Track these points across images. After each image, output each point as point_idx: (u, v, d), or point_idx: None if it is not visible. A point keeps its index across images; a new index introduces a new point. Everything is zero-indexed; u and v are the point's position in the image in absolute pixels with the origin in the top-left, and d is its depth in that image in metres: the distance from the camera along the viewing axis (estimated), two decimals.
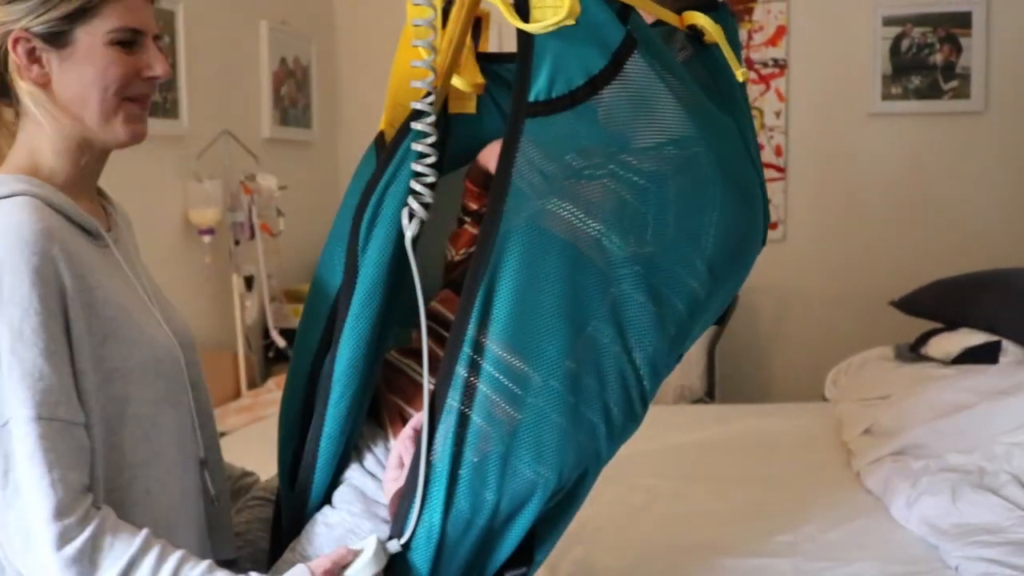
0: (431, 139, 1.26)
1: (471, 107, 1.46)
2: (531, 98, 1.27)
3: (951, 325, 2.97)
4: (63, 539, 1.08)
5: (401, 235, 1.26)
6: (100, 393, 1.18)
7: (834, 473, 2.52)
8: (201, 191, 3.03)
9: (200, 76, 3.16)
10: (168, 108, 3.01)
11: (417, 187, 1.26)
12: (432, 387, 1.23)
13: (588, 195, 1.28)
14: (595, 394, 1.23)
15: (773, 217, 4.00)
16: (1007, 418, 2.25)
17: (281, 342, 3.32)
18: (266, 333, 3.41)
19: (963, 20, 4.00)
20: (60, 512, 1.08)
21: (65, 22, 1.21)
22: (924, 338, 3.03)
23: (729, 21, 1.46)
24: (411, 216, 1.26)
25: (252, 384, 3.27)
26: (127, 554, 1.12)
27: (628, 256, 1.26)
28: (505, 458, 1.20)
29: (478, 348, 1.21)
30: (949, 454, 2.22)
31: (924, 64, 4.04)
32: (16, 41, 1.21)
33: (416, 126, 1.26)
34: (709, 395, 3.79)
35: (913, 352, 3.02)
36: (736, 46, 1.46)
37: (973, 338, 2.81)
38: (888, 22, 4.03)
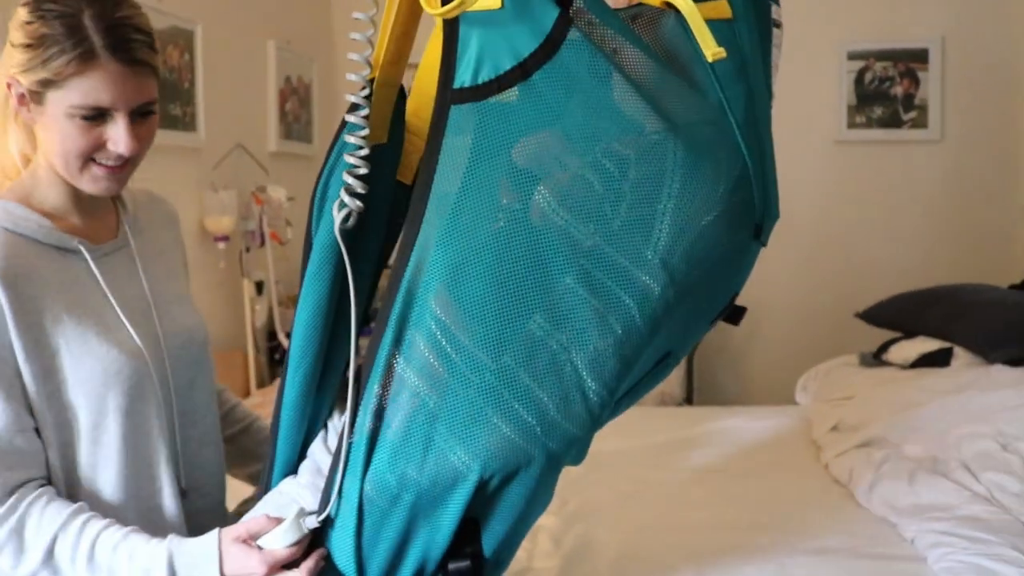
0: (364, 132, 1.24)
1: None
2: (456, 84, 1.20)
3: (909, 334, 3.18)
4: None
5: (346, 219, 1.24)
6: (52, 400, 1.27)
7: (805, 465, 2.71)
8: (216, 200, 3.20)
9: (215, 92, 3.33)
10: (187, 122, 3.19)
11: (348, 179, 1.24)
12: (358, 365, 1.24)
13: (519, 184, 1.22)
14: (525, 389, 1.17)
15: None
16: (957, 414, 2.48)
17: (287, 344, 3.50)
18: (272, 336, 3.59)
19: (921, 56, 4.18)
20: None
21: (40, 85, 1.27)
22: (885, 346, 3.23)
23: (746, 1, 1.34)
24: (343, 206, 1.23)
25: (261, 383, 3.44)
26: (52, 530, 1.24)
27: (565, 246, 1.20)
28: (429, 438, 1.17)
29: (401, 331, 1.19)
30: (906, 445, 2.44)
31: (886, 95, 4.22)
32: (10, 85, 1.30)
33: (349, 119, 1.24)
34: (688, 400, 3.98)
35: (875, 359, 3.22)
36: (757, 30, 1.35)
37: (928, 345, 3.02)
38: (852, 56, 4.21)
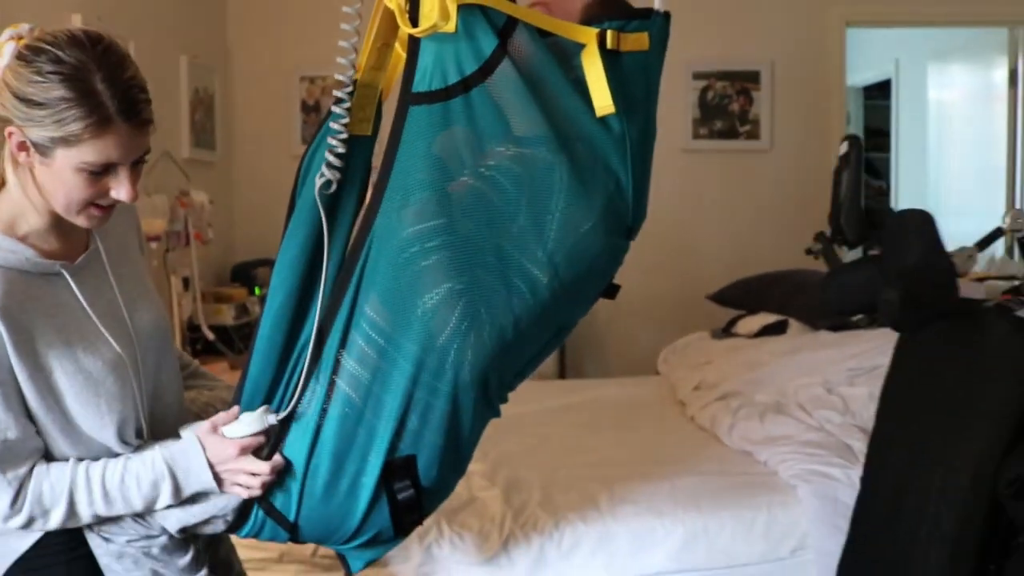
0: (344, 120, 1.44)
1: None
2: (414, 88, 1.39)
3: (752, 311, 3.77)
4: (12, 516, 1.37)
5: (326, 185, 1.43)
6: (52, 411, 1.38)
7: (673, 418, 3.27)
8: (150, 204, 3.48)
9: None
10: None
11: (330, 158, 1.43)
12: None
13: (451, 186, 1.41)
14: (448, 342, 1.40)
15: None
16: (793, 369, 3.09)
17: (210, 335, 3.81)
18: (195, 328, 3.87)
19: (754, 77, 4.66)
20: (6, 501, 1.36)
21: (50, 141, 1.30)
22: (733, 322, 3.82)
23: (661, 34, 1.50)
24: (323, 178, 1.43)
25: None
26: (65, 487, 1.37)
27: (482, 245, 1.40)
28: (377, 368, 1.41)
29: (358, 287, 1.41)
30: (756, 395, 3.03)
31: (725, 111, 4.67)
32: (10, 133, 1.32)
33: (335, 110, 1.44)
34: (561, 376, 4.51)
35: (725, 332, 3.80)
36: (661, 59, 1.52)
37: (768, 319, 3.61)
38: (697, 76, 4.65)
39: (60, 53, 1.29)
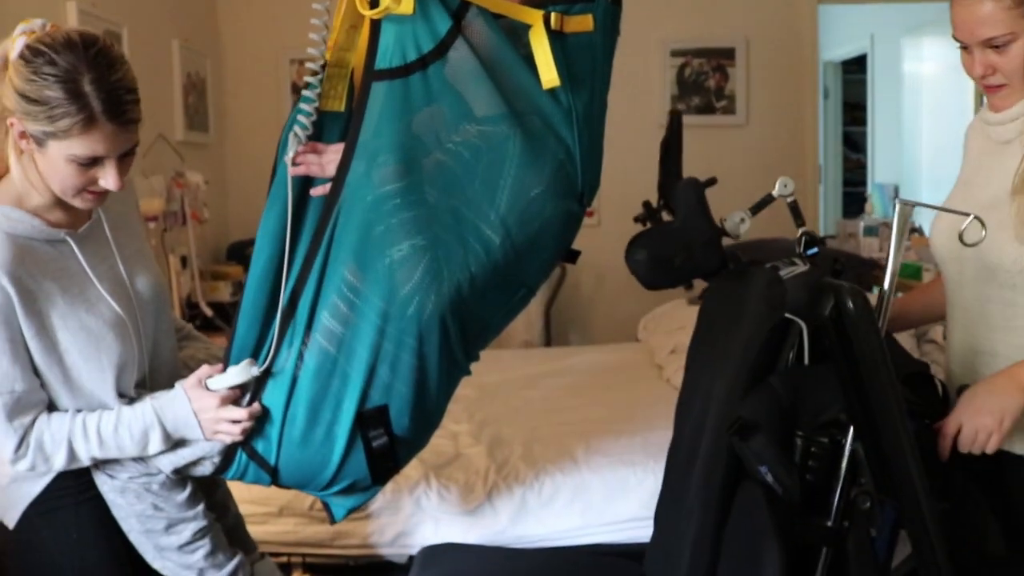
0: (314, 96, 1.56)
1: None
2: (376, 66, 1.50)
3: None
4: (18, 460, 1.52)
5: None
6: (56, 367, 1.52)
7: (651, 381, 3.44)
8: (147, 185, 3.62)
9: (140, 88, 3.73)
10: None
11: (297, 130, 1.55)
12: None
13: (413, 155, 1.51)
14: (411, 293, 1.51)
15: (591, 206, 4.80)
16: None
17: (209, 312, 3.97)
18: (194, 305, 4.02)
19: (729, 54, 4.78)
20: (11, 445, 1.51)
21: (43, 134, 1.44)
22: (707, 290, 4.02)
23: (606, 15, 1.60)
24: (297, 140, 1.55)
25: None
26: (64, 434, 1.52)
27: (439, 207, 1.51)
28: (346, 323, 1.53)
29: (330, 243, 1.53)
30: None
31: (701, 87, 4.81)
32: (12, 123, 1.47)
33: (305, 93, 1.57)
34: (547, 344, 4.69)
35: (700, 299, 3.99)
36: (610, 40, 1.62)
37: None
38: (674, 54, 4.79)
39: (55, 56, 1.42)
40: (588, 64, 1.60)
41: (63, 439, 1.53)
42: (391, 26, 1.50)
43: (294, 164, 1.57)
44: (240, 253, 4.49)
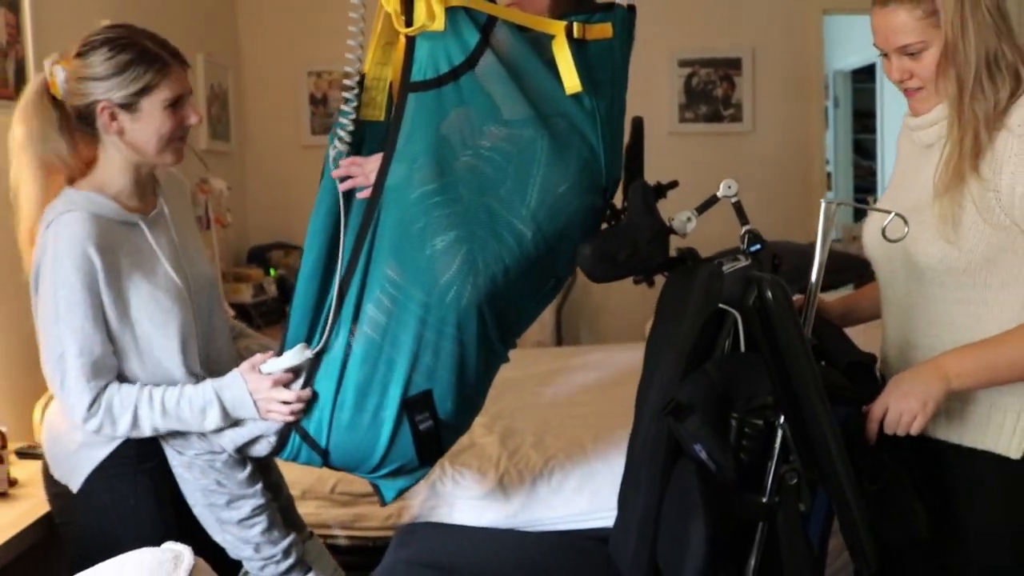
0: (354, 103, 1.68)
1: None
2: (412, 79, 1.61)
3: None
4: (88, 419, 1.65)
5: (338, 155, 1.69)
6: (128, 333, 1.69)
7: None
8: None
9: None
10: None
11: (340, 132, 1.68)
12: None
13: (448, 158, 1.61)
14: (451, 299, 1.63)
15: None
16: None
17: (231, 312, 4.09)
18: None
19: (736, 64, 4.88)
20: (84, 404, 1.64)
21: (134, 96, 1.67)
22: None
23: (624, 23, 1.71)
24: (334, 150, 1.68)
25: None
26: (131, 401, 1.67)
27: (473, 205, 1.60)
28: (390, 315, 1.64)
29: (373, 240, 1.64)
30: None
31: (709, 96, 4.89)
32: (102, 108, 1.68)
33: (345, 94, 1.69)
34: (558, 344, 4.77)
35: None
36: (627, 45, 1.73)
37: None
38: (682, 64, 4.88)
39: (109, 35, 1.68)
40: (608, 68, 1.71)
41: (130, 404, 1.67)
42: (424, 41, 1.61)
43: (341, 180, 1.69)
44: (260, 257, 4.64)
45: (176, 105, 1.70)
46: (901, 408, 1.60)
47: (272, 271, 4.54)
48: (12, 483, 2.12)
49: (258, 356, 1.73)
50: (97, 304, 1.66)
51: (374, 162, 1.68)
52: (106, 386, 1.68)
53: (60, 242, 1.63)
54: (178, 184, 1.93)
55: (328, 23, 5.08)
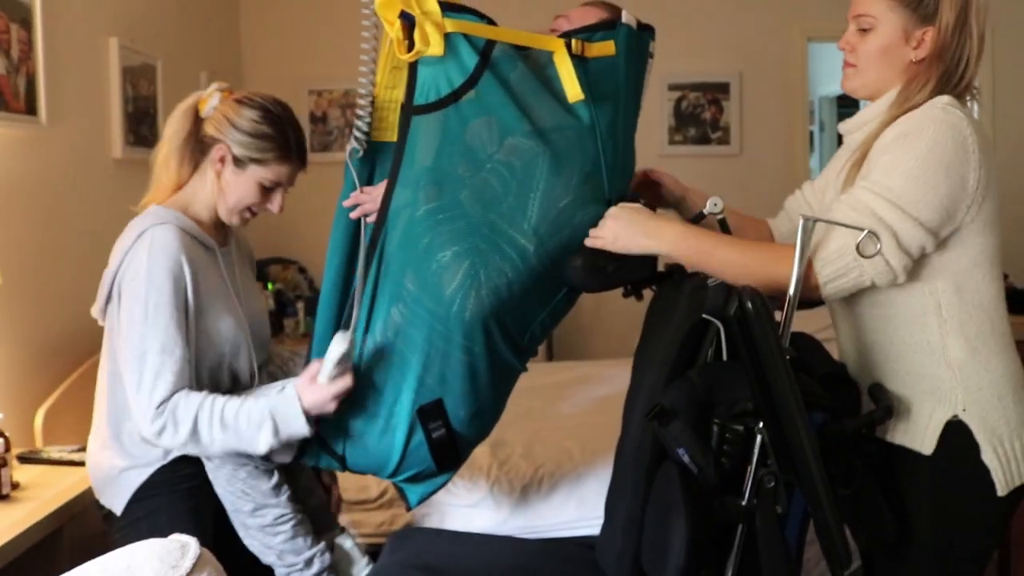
0: (367, 120, 1.73)
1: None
2: (415, 102, 1.65)
3: None
4: (154, 419, 1.71)
5: (354, 151, 1.76)
6: (200, 342, 1.79)
7: None
8: None
9: None
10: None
11: (354, 143, 1.75)
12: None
13: (451, 176, 1.64)
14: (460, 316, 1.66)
15: None
16: None
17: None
18: None
19: (724, 88, 4.95)
20: (155, 403, 1.71)
21: (247, 159, 1.82)
22: None
23: (628, 40, 1.73)
24: (350, 145, 1.75)
25: None
26: (193, 409, 1.72)
27: (476, 220, 1.63)
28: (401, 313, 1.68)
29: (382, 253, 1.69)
30: None
31: (698, 119, 4.95)
32: (221, 149, 1.83)
33: (359, 111, 1.74)
34: (549, 360, 4.84)
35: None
36: (635, 62, 1.75)
37: None
38: (672, 88, 4.94)
39: (271, 108, 1.85)
40: (611, 83, 1.73)
41: (192, 412, 1.72)
42: (425, 67, 1.65)
43: (350, 209, 1.78)
44: (260, 271, 4.71)
45: (270, 188, 1.86)
46: (615, 230, 1.67)
47: (270, 285, 4.61)
48: (15, 486, 2.16)
49: (313, 366, 1.73)
50: (182, 309, 1.76)
51: (381, 188, 1.74)
52: (177, 391, 1.74)
53: (155, 250, 1.75)
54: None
55: (329, 43, 5.23)
